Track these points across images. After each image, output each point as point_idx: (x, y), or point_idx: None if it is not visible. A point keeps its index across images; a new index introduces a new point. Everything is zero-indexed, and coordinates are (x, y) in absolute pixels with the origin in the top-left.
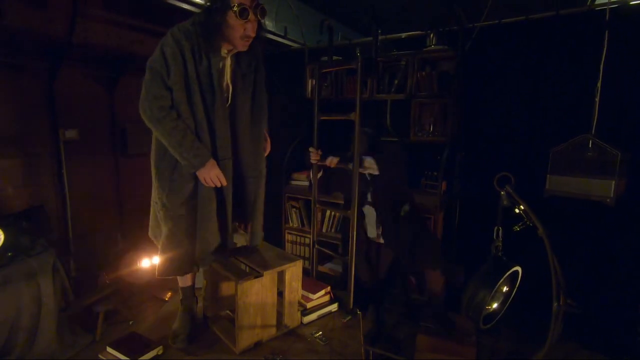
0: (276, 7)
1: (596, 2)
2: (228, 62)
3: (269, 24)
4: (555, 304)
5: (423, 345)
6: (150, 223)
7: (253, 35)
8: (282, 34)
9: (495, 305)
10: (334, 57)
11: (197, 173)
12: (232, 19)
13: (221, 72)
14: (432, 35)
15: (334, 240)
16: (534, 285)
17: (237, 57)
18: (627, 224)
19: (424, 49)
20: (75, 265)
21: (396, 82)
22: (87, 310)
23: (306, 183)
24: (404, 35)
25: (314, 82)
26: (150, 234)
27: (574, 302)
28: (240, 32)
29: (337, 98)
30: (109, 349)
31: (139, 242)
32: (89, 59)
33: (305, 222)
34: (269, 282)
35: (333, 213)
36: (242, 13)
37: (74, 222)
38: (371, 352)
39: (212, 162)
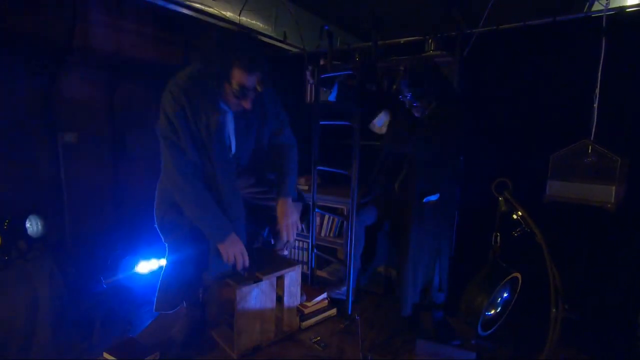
0: (275, 12)
1: (593, 9)
2: (229, 114)
3: (268, 28)
4: (553, 310)
5: (422, 350)
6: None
7: (247, 107)
8: (282, 39)
9: (493, 312)
10: (333, 62)
11: (218, 246)
12: (228, 89)
13: (222, 126)
14: (430, 41)
15: (333, 245)
16: (534, 290)
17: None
18: (626, 228)
19: (423, 54)
20: (72, 269)
21: (394, 87)
22: (84, 314)
23: (305, 187)
24: (402, 40)
25: (313, 87)
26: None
27: (572, 307)
28: (233, 101)
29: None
30: (105, 355)
31: (137, 246)
32: (89, 63)
33: (304, 227)
34: (268, 287)
35: (332, 218)
36: (241, 94)
37: (71, 226)
38: (369, 357)
39: (233, 236)
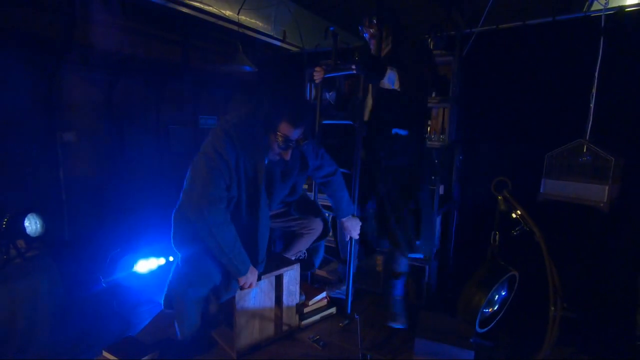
0: (275, 11)
1: (592, 9)
2: (271, 162)
3: (267, 27)
4: (552, 309)
5: (421, 349)
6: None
7: (286, 159)
8: (281, 38)
9: (491, 309)
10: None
11: (239, 278)
12: (273, 139)
13: (263, 173)
14: (430, 40)
15: (332, 244)
16: (533, 290)
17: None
18: (623, 228)
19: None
20: (71, 268)
21: None
22: (84, 313)
23: (305, 186)
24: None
25: (314, 87)
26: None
27: (571, 306)
28: (275, 150)
29: (336, 102)
30: (105, 353)
31: (136, 245)
32: (88, 61)
33: None
34: (267, 286)
35: (332, 216)
36: (283, 145)
37: (70, 225)
38: (369, 356)
39: (252, 269)
